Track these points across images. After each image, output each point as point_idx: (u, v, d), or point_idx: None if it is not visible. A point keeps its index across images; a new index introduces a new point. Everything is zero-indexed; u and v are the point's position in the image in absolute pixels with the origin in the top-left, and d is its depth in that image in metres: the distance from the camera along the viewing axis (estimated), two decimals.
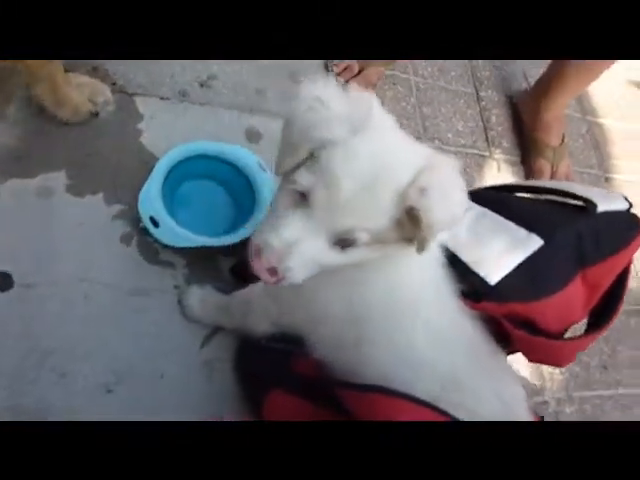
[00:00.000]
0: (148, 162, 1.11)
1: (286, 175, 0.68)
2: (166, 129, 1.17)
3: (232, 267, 1.08)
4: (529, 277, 0.77)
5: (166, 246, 1.03)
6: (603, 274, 0.81)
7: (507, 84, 1.73)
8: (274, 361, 0.90)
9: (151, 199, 0.99)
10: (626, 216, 0.84)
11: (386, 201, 0.62)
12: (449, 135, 1.53)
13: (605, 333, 0.83)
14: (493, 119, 1.64)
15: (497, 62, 1.75)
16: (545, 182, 1.40)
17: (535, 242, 0.78)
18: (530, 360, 0.87)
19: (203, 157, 1.10)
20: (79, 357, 0.94)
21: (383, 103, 0.68)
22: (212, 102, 1.25)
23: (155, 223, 0.99)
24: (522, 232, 0.79)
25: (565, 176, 1.57)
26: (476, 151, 1.55)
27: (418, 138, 1.41)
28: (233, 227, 1.09)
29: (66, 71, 1.03)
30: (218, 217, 1.13)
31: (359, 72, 1.37)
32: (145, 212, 0.99)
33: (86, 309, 0.97)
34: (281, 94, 1.32)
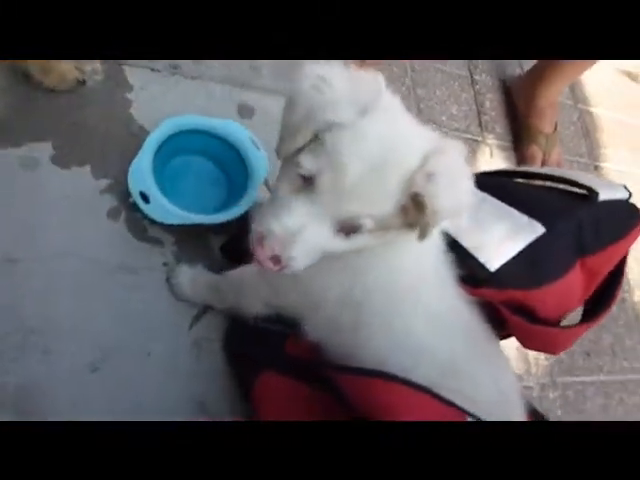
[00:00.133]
0: (137, 134, 1.08)
1: (288, 159, 0.65)
2: (156, 101, 1.13)
3: (222, 246, 1.06)
4: (529, 264, 0.77)
5: (155, 222, 1.00)
6: (602, 263, 0.81)
7: (501, 69, 1.72)
8: (267, 342, 0.89)
9: (142, 174, 0.95)
10: (626, 205, 0.84)
11: (393, 186, 0.60)
12: (443, 118, 1.51)
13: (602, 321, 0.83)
14: (487, 103, 1.63)
15: None
16: (546, 169, 1.40)
17: (537, 229, 0.77)
18: (526, 347, 0.87)
19: (195, 132, 1.07)
20: (64, 334, 0.91)
21: None
22: (204, 76, 1.21)
23: (145, 199, 0.95)
24: (524, 219, 0.78)
25: (556, 163, 1.57)
26: (469, 135, 1.54)
27: None
28: (225, 205, 1.07)
29: None
30: (209, 194, 1.10)
31: None
32: (135, 187, 0.96)
33: (71, 285, 0.94)
34: (277, 71, 1.28)
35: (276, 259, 0.63)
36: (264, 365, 0.87)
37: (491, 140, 1.58)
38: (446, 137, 0.66)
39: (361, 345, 0.75)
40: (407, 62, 1.53)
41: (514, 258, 0.77)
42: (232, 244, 1.05)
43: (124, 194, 1.01)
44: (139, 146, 0.98)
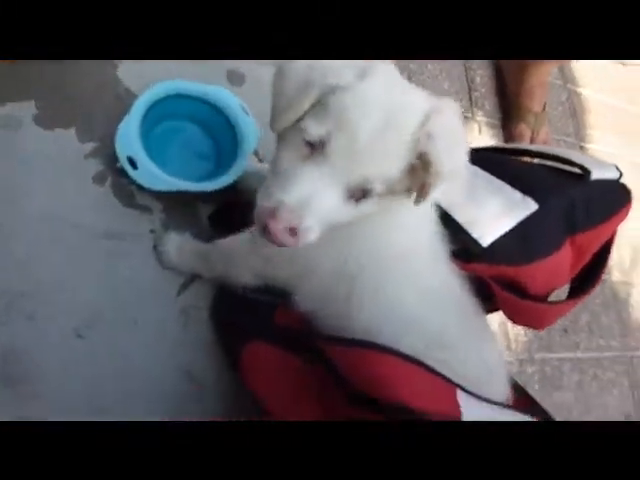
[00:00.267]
0: (124, 98, 1.05)
1: (288, 128, 0.64)
2: (143, 65, 1.09)
3: (211, 215, 1.05)
4: (521, 240, 0.77)
5: (143, 189, 0.97)
6: (591, 241, 0.82)
7: None
8: (256, 312, 0.88)
9: (129, 139, 0.92)
10: (616, 185, 0.85)
11: (400, 145, 0.61)
12: (434, 93, 1.50)
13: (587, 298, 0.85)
14: (477, 80, 1.62)
15: None
16: (537, 146, 1.40)
17: (530, 206, 0.77)
18: (513, 321, 0.88)
19: (183, 97, 1.04)
20: (49, 300, 0.89)
21: None
22: None
23: (133, 164, 0.93)
24: (517, 195, 0.78)
25: (544, 142, 1.57)
26: None
27: None
28: (213, 173, 1.05)
29: None
30: (197, 162, 1.08)
31: None
32: (123, 152, 0.93)
33: (56, 250, 0.92)
34: None
35: (293, 231, 0.61)
36: (252, 334, 0.87)
37: (480, 117, 1.58)
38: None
39: (352, 316, 0.76)
40: None
41: (506, 234, 0.77)
42: (221, 213, 1.04)
43: (110, 158, 0.98)
44: (125, 110, 0.95)
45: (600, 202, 0.82)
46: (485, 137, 1.57)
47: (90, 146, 1.00)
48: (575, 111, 1.82)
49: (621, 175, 0.85)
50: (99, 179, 0.99)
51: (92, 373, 0.89)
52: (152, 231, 1.00)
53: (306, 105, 0.61)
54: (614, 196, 0.83)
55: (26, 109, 0.96)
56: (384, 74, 0.63)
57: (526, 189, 0.78)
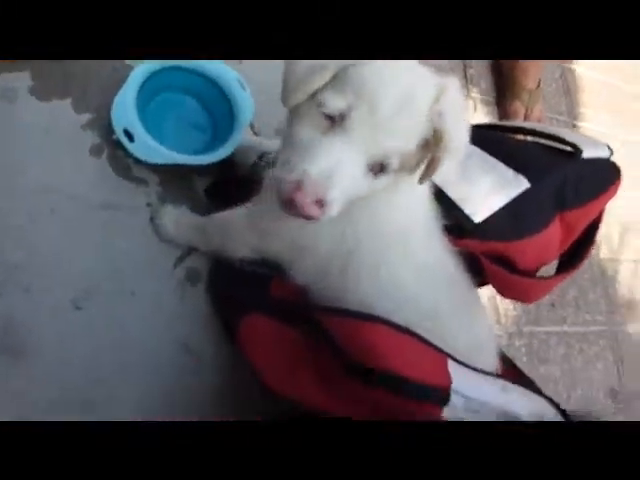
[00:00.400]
0: (120, 69, 1.04)
1: (300, 104, 0.65)
2: None
3: (207, 188, 1.05)
4: (512, 217, 0.79)
5: (139, 161, 0.98)
6: (580, 218, 0.84)
7: None
8: (252, 285, 0.90)
9: (126, 110, 0.92)
10: (607, 163, 0.86)
11: (418, 120, 0.62)
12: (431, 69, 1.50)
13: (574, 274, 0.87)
14: None
15: None
16: (531, 124, 1.41)
17: (522, 184, 0.79)
18: (502, 295, 0.91)
19: (180, 69, 1.03)
20: (46, 272, 0.90)
21: None
22: None
23: (130, 136, 0.93)
24: (510, 173, 0.80)
25: (537, 120, 1.58)
26: None
27: None
28: (210, 146, 1.05)
29: None
30: (193, 135, 1.08)
31: None
32: (119, 124, 0.93)
33: (53, 222, 0.93)
34: None
35: (319, 203, 0.61)
36: (249, 307, 0.88)
37: (475, 94, 1.58)
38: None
39: (347, 290, 0.77)
40: None
41: (498, 211, 0.79)
42: (217, 187, 1.04)
43: (107, 130, 0.98)
44: (121, 81, 0.95)
45: (590, 180, 0.83)
46: (480, 114, 1.57)
47: (86, 117, 0.99)
48: (569, 89, 1.82)
49: (612, 153, 0.86)
50: (96, 151, 0.99)
51: (89, 345, 0.90)
52: (149, 204, 1.00)
53: (322, 82, 0.61)
54: (604, 174, 0.85)
55: (22, 80, 0.95)
56: None
57: (519, 167, 0.80)
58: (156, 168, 1.01)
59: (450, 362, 0.68)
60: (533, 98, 1.57)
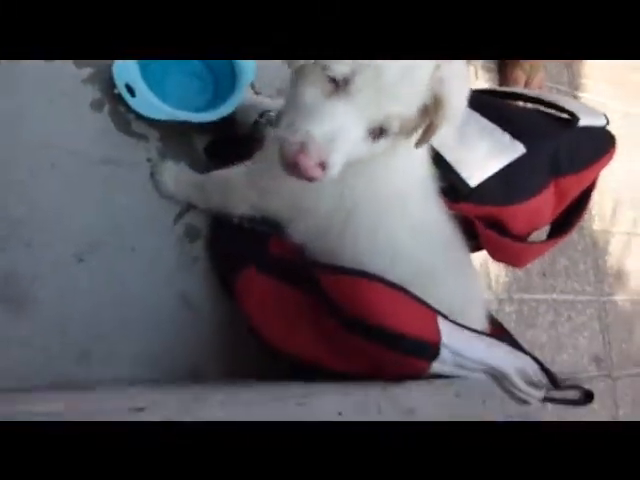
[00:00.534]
0: None
1: (305, 65, 0.65)
2: None
3: (207, 146, 1.06)
4: (507, 182, 0.81)
5: (140, 117, 0.98)
6: (573, 185, 0.86)
7: None
8: (250, 241, 0.91)
9: (127, 66, 0.92)
10: (602, 132, 0.87)
11: (419, 85, 0.63)
12: None
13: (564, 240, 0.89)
14: None
15: None
16: (530, 91, 1.41)
17: (518, 149, 0.80)
18: (494, 258, 0.93)
19: None
20: (48, 227, 0.91)
21: None
22: None
23: (131, 91, 0.93)
24: (507, 138, 0.81)
25: (538, 88, 1.58)
26: None
27: None
28: (211, 104, 1.05)
29: None
30: (195, 92, 1.08)
31: None
32: (121, 79, 0.93)
33: (54, 176, 0.93)
34: None
35: (322, 165, 0.63)
36: (246, 262, 0.90)
37: (477, 61, 1.57)
38: None
39: (345, 248, 0.79)
40: None
41: (493, 175, 0.80)
42: (217, 145, 1.05)
43: (108, 85, 0.98)
44: None
45: (585, 147, 0.85)
46: (481, 81, 1.57)
47: (87, 72, 0.99)
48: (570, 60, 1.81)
49: (608, 122, 0.88)
50: (97, 106, 0.99)
51: (90, 300, 0.92)
52: (149, 160, 1.01)
53: None
54: (599, 143, 0.87)
55: None
56: None
57: (516, 133, 0.81)
58: (156, 124, 1.01)
59: (440, 319, 0.71)
60: (535, 67, 1.56)
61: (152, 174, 1.00)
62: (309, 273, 0.78)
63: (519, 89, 1.42)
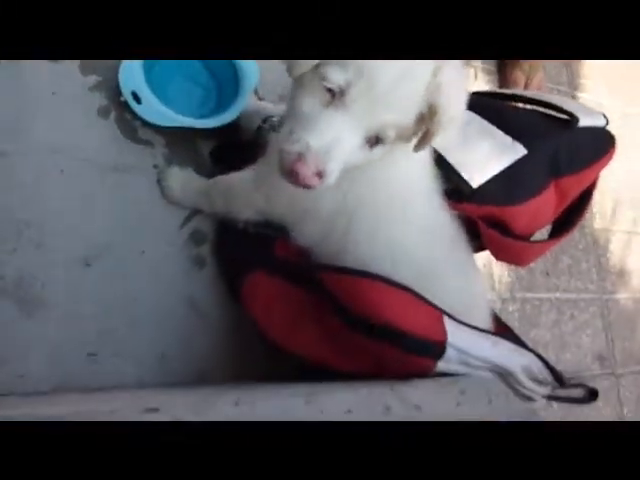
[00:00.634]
0: None
1: (304, 74, 0.67)
2: None
3: (212, 151, 1.07)
4: (508, 182, 0.82)
5: (146, 123, 1.00)
6: (574, 185, 0.87)
7: None
8: (257, 245, 0.92)
9: (133, 73, 0.94)
10: (602, 132, 0.89)
11: (415, 94, 0.64)
12: None
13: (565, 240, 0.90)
14: None
15: None
16: (530, 92, 1.42)
17: (519, 151, 0.82)
18: (497, 258, 0.94)
19: None
20: (57, 230, 0.93)
21: None
22: None
23: (137, 99, 0.95)
24: (508, 140, 0.83)
25: (537, 89, 1.59)
26: None
27: None
28: (215, 110, 1.07)
29: None
30: (199, 98, 1.10)
31: None
32: (127, 86, 0.95)
33: (62, 182, 0.95)
34: None
35: (319, 174, 0.65)
36: (253, 265, 0.91)
37: (477, 62, 1.59)
38: None
39: (348, 250, 0.81)
40: None
41: (495, 176, 0.82)
42: (222, 150, 1.06)
43: (114, 92, 1.00)
44: None
45: (585, 148, 0.86)
46: (481, 83, 1.58)
47: (93, 79, 1.01)
48: (569, 60, 1.82)
49: (607, 123, 0.89)
50: (103, 113, 1.00)
51: (100, 300, 0.93)
52: (155, 166, 1.02)
53: None
54: (599, 143, 0.88)
55: None
56: None
57: (516, 134, 0.83)
58: (161, 130, 1.02)
59: (446, 318, 0.72)
60: (534, 67, 1.58)
61: (159, 180, 1.01)
62: (313, 274, 0.80)
63: (518, 91, 1.44)
